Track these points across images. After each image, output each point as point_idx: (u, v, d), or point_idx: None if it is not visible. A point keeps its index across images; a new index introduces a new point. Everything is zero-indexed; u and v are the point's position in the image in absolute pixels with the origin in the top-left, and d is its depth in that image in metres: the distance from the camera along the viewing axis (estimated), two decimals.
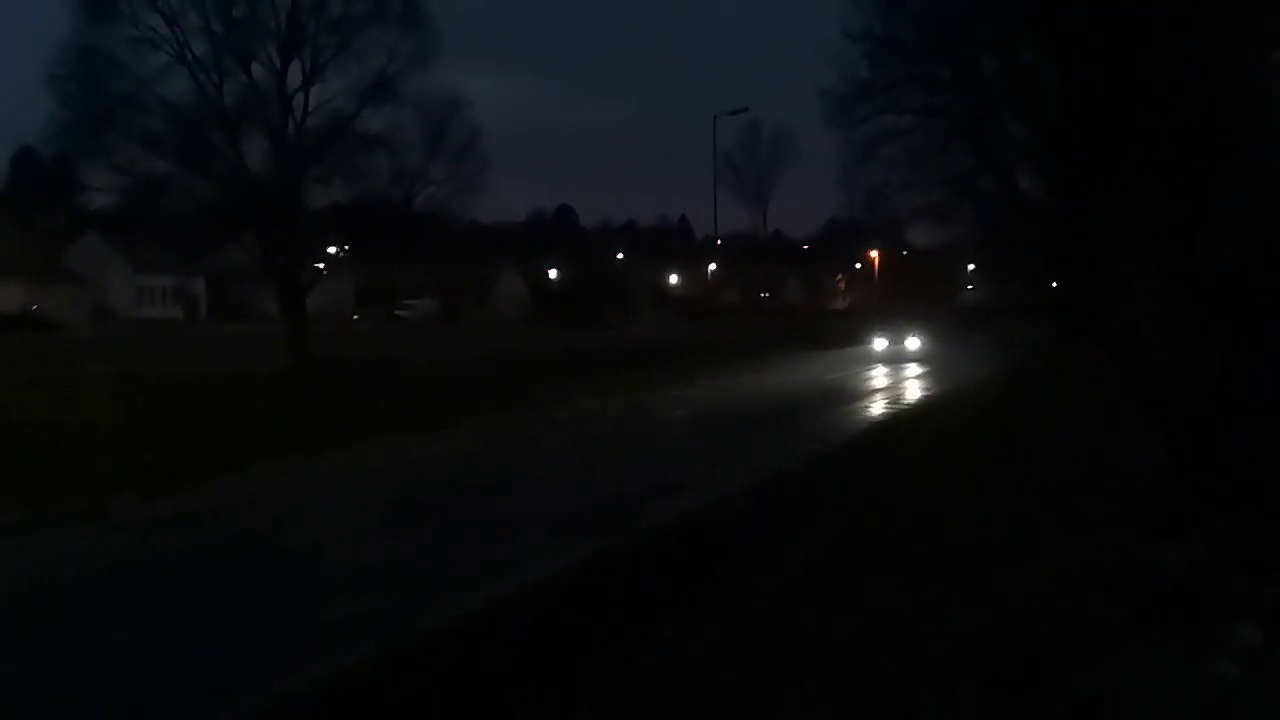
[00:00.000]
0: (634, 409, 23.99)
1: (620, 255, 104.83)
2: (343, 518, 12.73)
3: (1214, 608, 5.48)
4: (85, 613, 8.73)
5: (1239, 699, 4.64)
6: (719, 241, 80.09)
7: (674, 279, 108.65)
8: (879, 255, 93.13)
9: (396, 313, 77.42)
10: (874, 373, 35.44)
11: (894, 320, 52.47)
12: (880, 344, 47.57)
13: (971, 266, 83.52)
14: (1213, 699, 4.66)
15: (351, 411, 20.88)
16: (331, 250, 42.67)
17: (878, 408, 24.61)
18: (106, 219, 63.96)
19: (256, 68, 29.96)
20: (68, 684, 6.97)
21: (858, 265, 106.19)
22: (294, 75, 30.24)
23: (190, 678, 7.12)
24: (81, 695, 6.82)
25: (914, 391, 28.92)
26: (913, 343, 47.28)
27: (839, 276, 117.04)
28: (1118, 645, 5.20)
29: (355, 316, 77.59)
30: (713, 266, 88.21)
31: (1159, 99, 6.37)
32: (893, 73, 30.46)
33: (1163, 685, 4.85)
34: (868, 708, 5.28)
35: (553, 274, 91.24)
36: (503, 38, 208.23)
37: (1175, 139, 6.39)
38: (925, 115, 31.25)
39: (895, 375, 34.40)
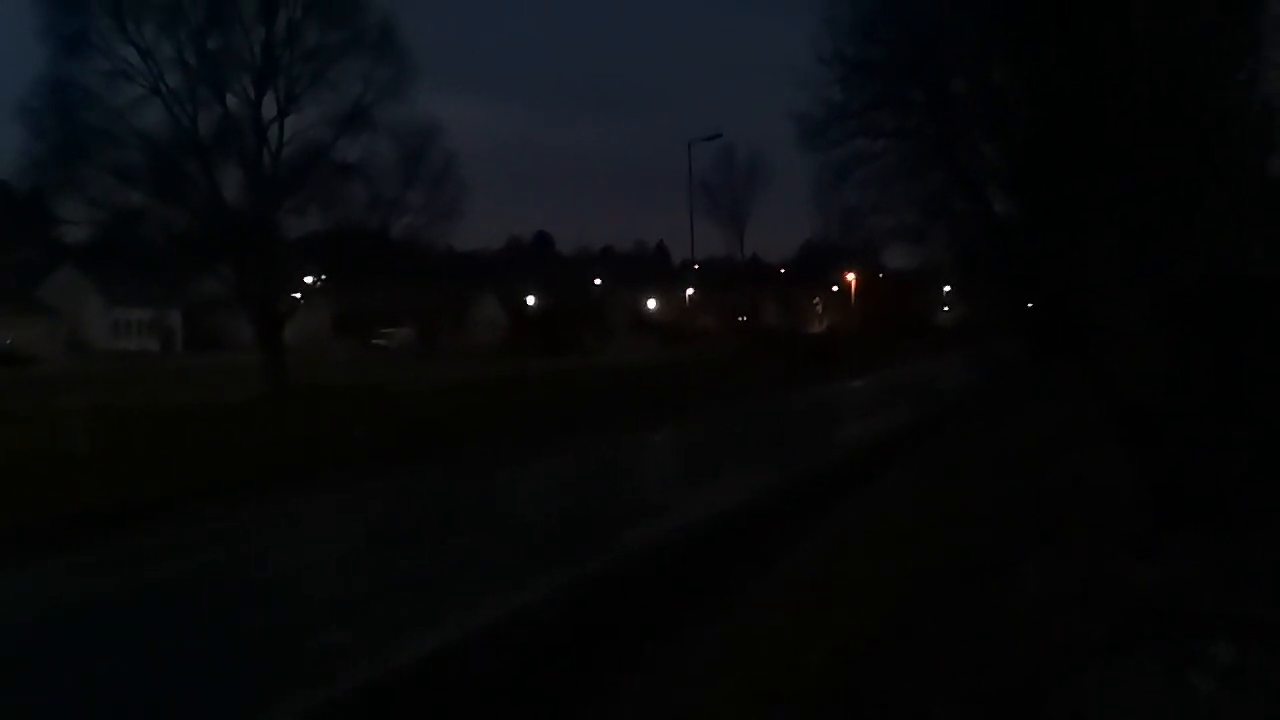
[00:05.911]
0: None
1: (598, 281, 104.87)
2: None
3: (1190, 624, 5.51)
4: None
5: (1217, 715, 4.66)
6: (696, 265, 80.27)
7: (652, 303, 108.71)
8: (855, 277, 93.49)
9: (374, 342, 77.02)
10: None
11: None
12: None
13: (948, 288, 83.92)
14: (1190, 716, 4.68)
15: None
16: (308, 280, 42.42)
17: None
18: (81, 251, 63.61)
19: (231, 98, 29.94)
20: None
21: (835, 288, 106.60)
22: (269, 105, 30.20)
23: None
24: None
25: None
26: None
27: (815, 299, 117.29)
28: (1095, 662, 5.22)
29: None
30: (690, 290, 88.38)
31: (1125, 120, 6.44)
32: (865, 96, 30.67)
33: (1140, 702, 4.86)
34: None
35: (530, 300, 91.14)
36: (478, 66, 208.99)
37: (1142, 160, 6.47)
38: (898, 137, 31.47)
39: None
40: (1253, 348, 6.93)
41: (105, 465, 16.53)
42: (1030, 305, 39.49)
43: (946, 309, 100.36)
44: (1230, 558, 6.36)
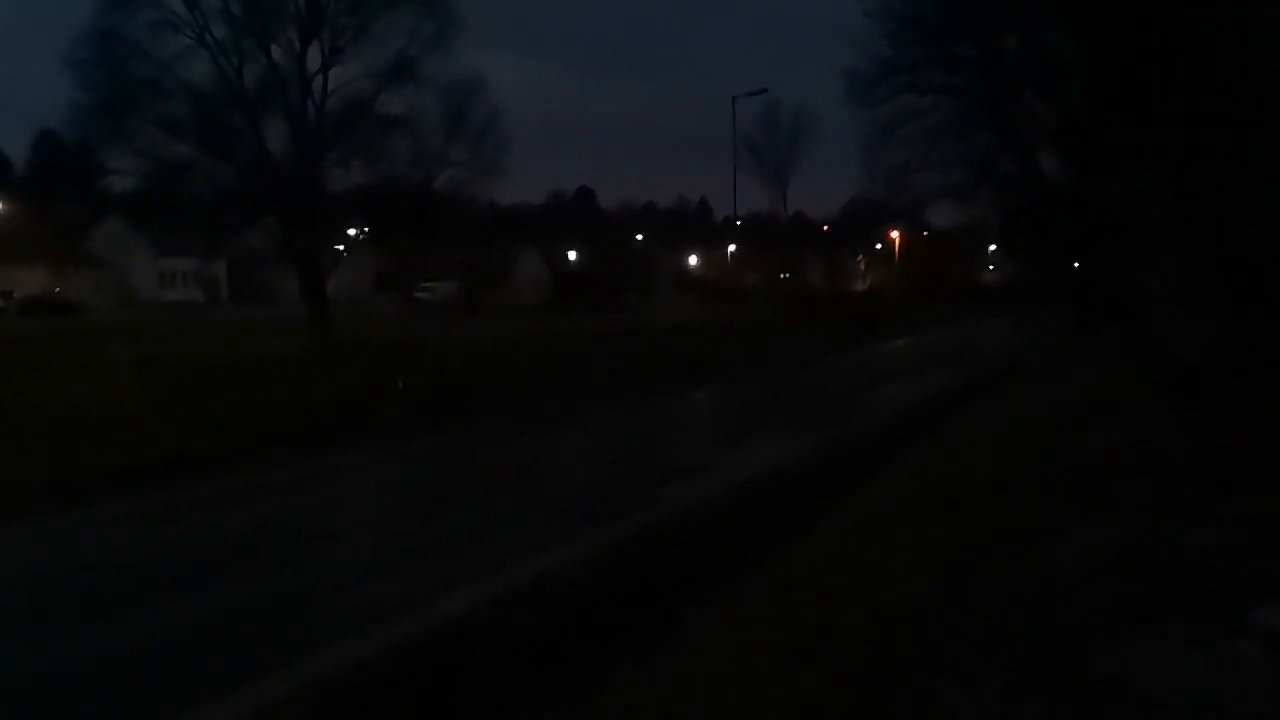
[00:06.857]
0: None
1: (640, 237, 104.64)
2: None
3: (1237, 589, 5.44)
4: None
5: (1262, 680, 4.62)
6: (739, 222, 79.84)
7: (694, 260, 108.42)
8: (900, 236, 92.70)
9: (416, 294, 77.23)
10: None
11: None
12: None
13: (994, 247, 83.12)
14: (1235, 680, 4.64)
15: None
16: (351, 233, 42.58)
17: None
18: (128, 202, 64.13)
19: (276, 50, 30.02)
20: None
21: (878, 246, 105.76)
22: (313, 57, 30.28)
23: None
24: None
25: None
26: None
27: (859, 257, 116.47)
28: (1140, 626, 5.18)
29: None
30: (732, 248, 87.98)
31: (1179, 77, 6.30)
32: (914, 52, 30.30)
33: (1185, 666, 4.82)
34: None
35: (572, 255, 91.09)
36: (523, 21, 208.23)
37: (1196, 117, 6.34)
38: (946, 95, 31.13)
39: None
40: None
41: (152, 418, 16.72)
42: (1078, 268, 39.07)
43: (992, 268, 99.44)
44: (1278, 524, 6.28)
